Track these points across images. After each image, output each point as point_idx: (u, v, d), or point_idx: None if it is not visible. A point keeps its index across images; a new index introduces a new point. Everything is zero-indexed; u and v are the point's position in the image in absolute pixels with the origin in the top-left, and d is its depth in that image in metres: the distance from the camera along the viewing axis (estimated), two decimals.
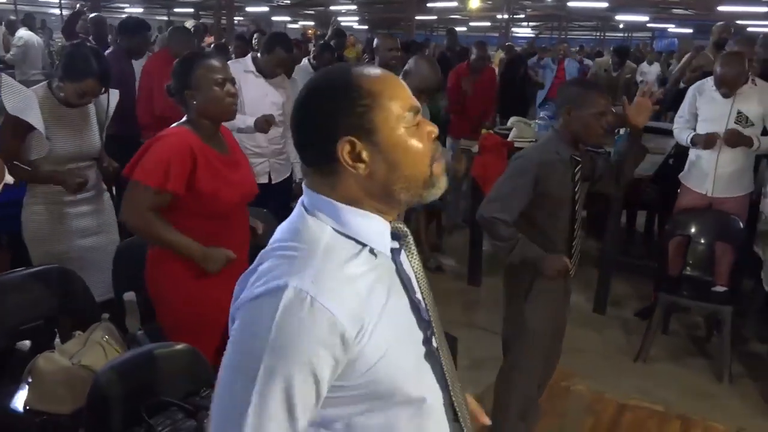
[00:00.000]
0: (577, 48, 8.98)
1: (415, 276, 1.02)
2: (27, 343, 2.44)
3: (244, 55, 4.25)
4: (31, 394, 2.04)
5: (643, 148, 2.43)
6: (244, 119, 3.27)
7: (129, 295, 2.62)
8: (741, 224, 3.40)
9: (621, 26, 21.43)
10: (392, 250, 1.00)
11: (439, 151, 1.00)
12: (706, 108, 3.47)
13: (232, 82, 2.11)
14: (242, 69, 3.41)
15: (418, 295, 1.02)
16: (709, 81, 3.50)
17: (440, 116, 4.81)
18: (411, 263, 1.02)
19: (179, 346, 1.86)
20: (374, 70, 0.98)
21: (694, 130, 3.52)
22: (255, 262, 0.98)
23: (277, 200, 3.44)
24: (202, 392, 1.85)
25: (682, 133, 3.59)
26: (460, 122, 5.28)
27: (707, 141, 3.39)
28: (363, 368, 0.92)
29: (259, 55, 3.52)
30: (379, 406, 0.97)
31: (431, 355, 1.03)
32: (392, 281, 0.99)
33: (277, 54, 3.43)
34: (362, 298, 0.91)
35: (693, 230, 3.51)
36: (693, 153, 3.59)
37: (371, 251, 0.96)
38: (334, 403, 0.94)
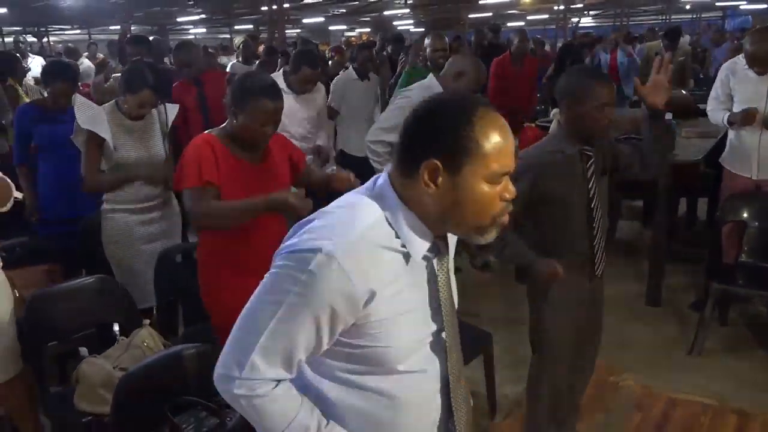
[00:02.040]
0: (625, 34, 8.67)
1: (439, 285, 1.15)
2: (85, 349, 2.61)
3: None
4: (78, 395, 2.19)
5: (667, 129, 2.24)
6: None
7: None
8: None
9: (688, 7, 20.49)
10: (426, 256, 1.12)
11: (506, 212, 1.10)
12: (741, 88, 3.31)
13: (276, 123, 2.17)
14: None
15: (441, 296, 1.15)
16: (742, 60, 3.32)
17: None
18: (438, 276, 1.15)
19: (203, 348, 1.94)
20: (494, 118, 1.06)
21: (730, 110, 3.35)
22: (313, 215, 1.12)
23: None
24: None
25: (716, 114, 3.43)
26: (504, 114, 5.22)
27: (745, 118, 3.21)
28: (364, 332, 1.07)
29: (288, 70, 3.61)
30: (371, 370, 1.12)
31: (437, 347, 1.17)
32: (417, 276, 1.13)
33: (303, 72, 3.51)
34: (381, 277, 1.05)
35: (746, 215, 3.33)
36: (733, 135, 3.42)
37: (406, 252, 1.09)
38: (335, 356, 1.11)
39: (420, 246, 1.09)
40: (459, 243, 1.27)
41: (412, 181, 1.06)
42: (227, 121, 2.19)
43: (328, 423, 1.14)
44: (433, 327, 1.15)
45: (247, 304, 1.10)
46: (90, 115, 2.72)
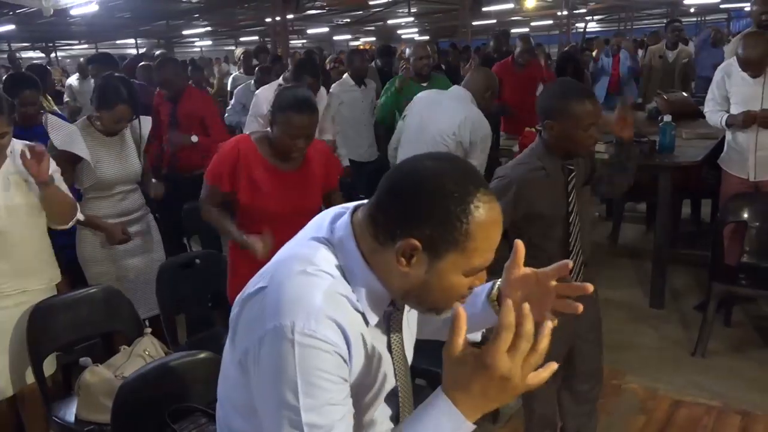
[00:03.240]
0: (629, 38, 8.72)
1: (392, 343, 1.09)
2: (89, 359, 2.64)
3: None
4: (80, 405, 2.21)
5: (633, 157, 2.20)
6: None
7: None
8: None
9: (692, 10, 20.45)
10: (385, 312, 1.06)
11: (467, 297, 1.02)
12: (737, 90, 3.32)
13: (309, 137, 2.30)
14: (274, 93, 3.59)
15: (393, 355, 1.10)
16: (736, 61, 3.33)
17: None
18: (392, 335, 1.09)
19: (203, 354, 1.96)
20: (491, 214, 0.94)
21: (728, 112, 3.35)
22: (258, 280, 1.02)
23: None
24: None
25: (714, 116, 3.44)
26: (506, 119, 5.23)
27: (745, 120, 3.22)
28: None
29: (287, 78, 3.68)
30: None
31: (392, 398, 1.14)
32: (376, 331, 1.06)
33: (304, 82, 3.51)
34: (353, 332, 0.98)
35: (747, 215, 3.33)
36: (730, 137, 3.42)
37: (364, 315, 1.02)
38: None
39: (375, 312, 1.02)
40: None
41: (383, 249, 0.97)
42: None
43: None
44: (391, 382, 1.11)
45: (259, 411, 0.99)
46: (65, 135, 2.69)
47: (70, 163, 2.70)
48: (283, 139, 2.26)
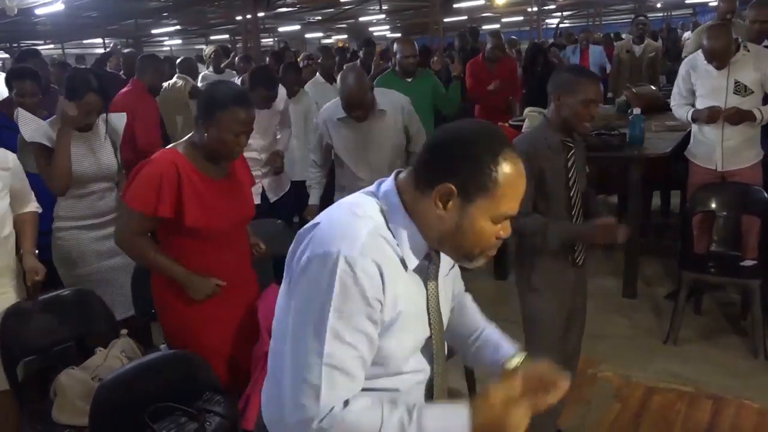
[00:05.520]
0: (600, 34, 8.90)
1: (428, 294, 1.19)
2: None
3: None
4: (56, 408, 2.18)
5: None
6: None
7: None
8: (766, 194, 3.29)
9: (659, 5, 20.78)
10: (421, 266, 1.16)
11: (496, 247, 1.15)
12: (702, 83, 3.39)
13: (248, 135, 2.12)
14: None
15: (429, 305, 1.20)
16: (701, 55, 3.40)
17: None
18: (429, 286, 1.19)
19: (180, 354, 1.96)
20: (517, 165, 1.09)
21: (693, 106, 3.43)
22: (318, 217, 1.16)
23: (279, 218, 3.44)
24: (204, 396, 1.94)
25: (680, 110, 3.52)
26: (484, 114, 5.28)
27: (709, 116, 3.31)
28: (381, 331, 1.11)
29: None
30: (379, 373, 1.15)
31: (427, 351, 1.23)
32: (413, 281, 1.16)
33: (258, 93, 3.45)
34: (390, 274, 1.08)
35: (714, 205, 3.41)
36: (696, 129, 3.50)
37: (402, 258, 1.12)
38: None
39: (415, 256, 1.13)
40: None
41: (423, 196, 1.11)
42: (193, 134, 2.12)
43: (415, 409, 1.09)
44: (426, 332, 1.21)
45: (285, 334, 1.12)
46: (35, 128, 2.66)
47: (46, 154, 2.66)
48: (224, 138, 2.03)
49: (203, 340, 2.12)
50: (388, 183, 1.16)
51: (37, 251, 2.54)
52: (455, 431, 1.06)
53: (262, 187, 3.64)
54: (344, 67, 3.13)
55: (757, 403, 2.79)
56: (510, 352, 1.32)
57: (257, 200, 3.54)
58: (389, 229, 1.12)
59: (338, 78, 3.01)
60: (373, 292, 1.06)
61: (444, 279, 1.25)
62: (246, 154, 3.38)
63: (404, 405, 1.09)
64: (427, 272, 1.18)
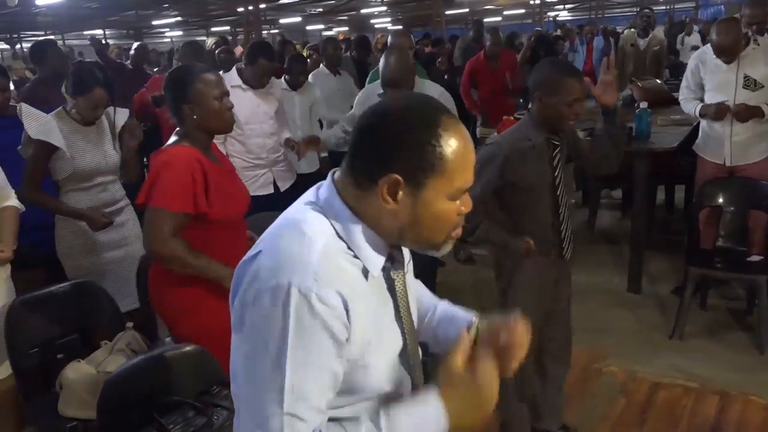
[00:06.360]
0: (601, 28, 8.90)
1: (398, 293, 1.08)
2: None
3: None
4: (62, 401, 2.17)
5: (621, 127, 2.31)
6: None
7: None
8: None
9: None
10: (385, 267, 1.05)
11: (460, 225, 1.05)
12: (711, 77, 3.37)
13: (228, 95, 2.12)
14: (229, 83, 3.48)
15: (400, 310, 1.09)
16: (710, 49, 3.37)
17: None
18: (396, 288, 1.08)
19: (188, 348, 1.94)
20: (460, 133, 0.98)
21: (702, 100, 3.41)
22: (257, 245, 1.02)
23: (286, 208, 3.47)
24: (212, 390, 1.93)
25: (688, 104, 3.50)
26: (490, 111, 5.26)
27: (717, 113, 3.29)
28: (349, 356, 0.98)
29: (243, 66, 3.54)
30: (349, 401, 1.03)
31: (404, 362, 1.11)
32: (380, 291, 1.06)
33: (260, 65, 3.43)
34: (351, 292, 0.96)
35: (721, 200, 3.39)
36: (705, 123, 3.49)
37: (363, 267, 1.01)
38: None
39: (376, 260, 1.02)
40: None
41: (367, 194, 0.98)
42: (180, 131, 2.10)
43: (381, 415, 1.00)
44: (400, 342, 1.10)
45: (241, 374, 0.98)
46: (40, 124, 2.63)
47: (45, 153, 2.65)
48: (210, 108, 2.04)
49: (212, 332, 2.10)
50: (326, 187, 1.03)
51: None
52: (431, 417, 1.00)
53: (273, 177, 3.61)
54: (389, 45, 3.12)
55: (763, 398, 2.80)
56: (467, 320, 1.24)
57: (269, 189, 3.55)
58: (341, 239, 0.99)
59: (382, 56, 2.97)
60: (335, 322, 0.93)
61: (408, 276, 1.15)
62: (250, 141, 3.44)
63: (367, 416, 0.99)
64: (392, 275, 1.07)
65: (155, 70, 7.54)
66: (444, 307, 1.31)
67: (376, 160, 0.96)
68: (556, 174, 2.20)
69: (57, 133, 2.64)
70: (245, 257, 1.02)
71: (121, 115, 2.89)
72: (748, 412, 2.75)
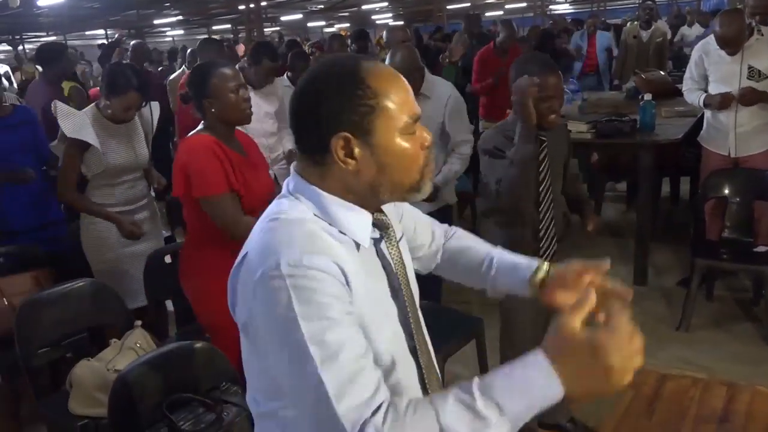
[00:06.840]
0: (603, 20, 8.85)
1: (394, 265, 1.07)
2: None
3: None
4: (72, 399, 2.19)
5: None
6: None
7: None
8: None
9: None
10: (374, 239, 1.04)
11: (431, 158, 1.03)
12: (715, 68, 3.36)
13: (245, 87, 2.21)
14: None
15: (400, 280, 1.07)
16: (713, 40, 3.36)
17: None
18: (390, 253, 1.07)
19: (197, 344, 1.96)
20: (384, 69, 0.99)
21: (705, 91, 3.40)
22: (240, 253, 0.99)
23: None
24: (222, 386, 1.95)
25: (692, 94, 3.49)
26: (492, 104, 5.24)
27: (722, 102, 3.28)
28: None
29: (246, 66, 3.55)
30: None
31: (408, 335, 1.08)
32: (374, 266, 1.04)
33: (264, 65, 3.46)
34: (345, 265, 0.93)
35: (727, 191, 3.39)
36: (709, 114, 3.48)
37: (352, 240, 0.99)
38: None
39: (363, 230, 1.01)
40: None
41: (327, 167, 0.98)
42: (202, 124, 2.18)
43: (472, 382, 0.87)
44: (400, 316, 1.06)
45: (270, 387, 0.97)
46: (75, 123, 2.66)
47: (78, 150, 2.68)
48: (228, 101, 2.11)
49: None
50: (292, 178, 1.03)
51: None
52: (537, 380, 0.84)
53: (274, 175, 3.62)
54: (392, 43, 3.10)
55: None
56: (531, 265, 1.19)
57: None
58: (321, 219, 0.98)
59: (388, 54, 2.96)
60: (333, 283, 0.89)
61: (401, 244, 1.12)
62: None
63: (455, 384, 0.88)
64: (382, 245, 1.05)
65: (159, 69, 7.56)
66: (501, 255, 1.26)
67: (318, 129, 0.96)
68: (540, 169, 2.14)
69: (91, 131, 2.68)
70: (234, 264, 1.00)
71: (155, 110, 2.96)
72: (757, 402, 2.71)
